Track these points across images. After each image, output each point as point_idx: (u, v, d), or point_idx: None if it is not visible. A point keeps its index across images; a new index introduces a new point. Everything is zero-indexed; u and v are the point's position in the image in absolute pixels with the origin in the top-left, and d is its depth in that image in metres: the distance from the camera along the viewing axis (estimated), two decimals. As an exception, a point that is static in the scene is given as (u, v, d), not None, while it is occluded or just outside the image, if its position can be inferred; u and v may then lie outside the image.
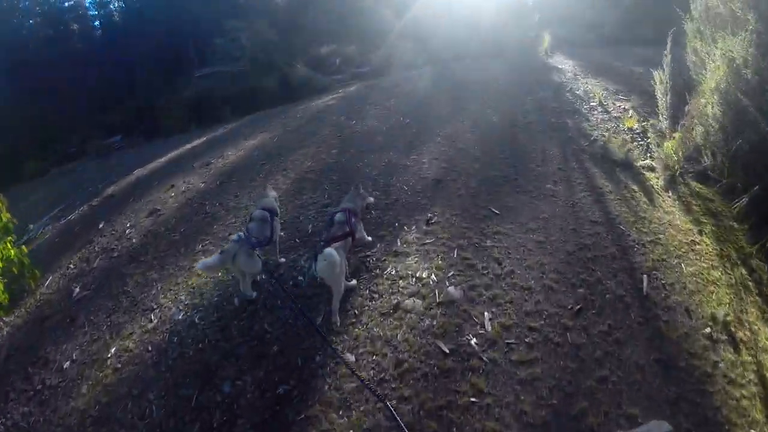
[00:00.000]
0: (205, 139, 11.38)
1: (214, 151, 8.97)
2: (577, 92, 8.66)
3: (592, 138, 6.02)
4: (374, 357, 2.96)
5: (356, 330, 3.22)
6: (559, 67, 10.79)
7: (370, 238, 3.90)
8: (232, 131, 11.40)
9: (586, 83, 9.20)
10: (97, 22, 32.24)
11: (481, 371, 2.81)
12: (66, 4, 31.51)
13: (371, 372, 2.85)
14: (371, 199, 4.07)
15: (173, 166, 9.05)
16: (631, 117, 6.89)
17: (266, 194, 3.90)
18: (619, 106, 7.73)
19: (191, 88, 15.89)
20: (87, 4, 32.50)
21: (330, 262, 2.89)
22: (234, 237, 3.31)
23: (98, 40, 31.33)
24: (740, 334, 3.04)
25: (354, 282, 3.48)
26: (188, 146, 10.92)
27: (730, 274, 3.58)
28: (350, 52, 16.25)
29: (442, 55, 13.91)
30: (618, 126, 6.69)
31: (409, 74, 12.69)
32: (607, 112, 7.48)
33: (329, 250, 2.92)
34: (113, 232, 5.86)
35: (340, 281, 3.09)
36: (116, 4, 33.34)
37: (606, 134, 6.22)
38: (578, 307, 3.23)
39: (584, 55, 12.20)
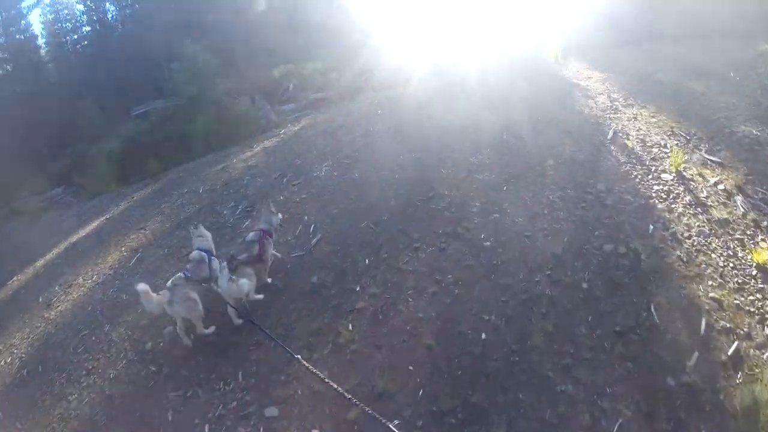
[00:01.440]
0: (77, 238, 8.22)
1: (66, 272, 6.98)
2: (627, 148, 5.59)
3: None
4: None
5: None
6: (582, 84, 7.91)
7: (279, 254, 3.96)
8: (125, 213, 8.16)
9: (635, 123, 6.18)
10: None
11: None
12: (18, 36, 28.75)
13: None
14: (279, 216, 4.03)
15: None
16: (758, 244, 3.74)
17: (201, 233, 3.82)
18: (715, 187, 4.66)
19: (123, 133, 12.61)
20: (39, 39, 29.67)
21: (239, 290, 3.22)
22: (168, 284, 3.29)
23: (52, 73, 28.45)
24: None
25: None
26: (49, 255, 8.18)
27: None
28: (309, 73, 12.81)
29: (425, 67, 10.95)
30: (738, 273, 3.61)
31: (376, 103, 9.64)
32: (704, 214, 3.91)
33: (244, 280, 3.21)
34: None
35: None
36: (70, 36, 30.48)
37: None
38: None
39: (607, 60, 9.28)
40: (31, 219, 14.42)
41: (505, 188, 4.98)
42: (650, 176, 4.82)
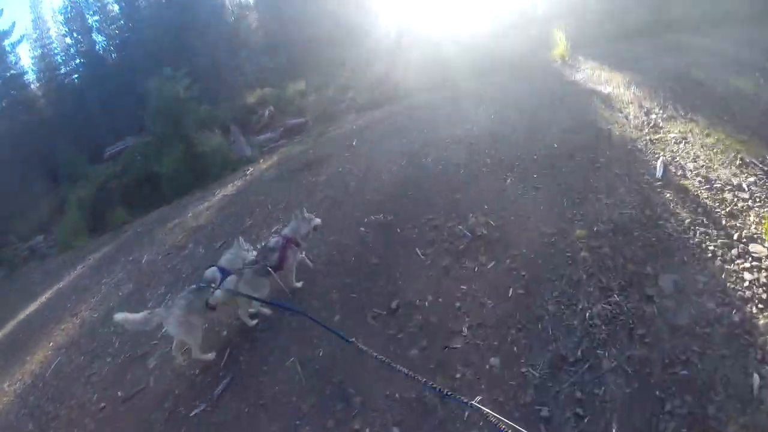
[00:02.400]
0: (26, 314, 7.49)
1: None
2: (688, 195, 3.93)
3: None
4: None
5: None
6: (602, 91, 6.32)
7: (298, 284, 3.49)
8: (74, 283, 7.06)
9: (687, 147, 4.57)
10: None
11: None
12: (7, 73, 27.74)
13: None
14: (318, 221, 3.56)
15: None
16: None
17: (238, 246, 3.40)
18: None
19: (95, 176, 11.21)
20: (30, 74, 28.66)
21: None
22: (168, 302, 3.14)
23: (45, 109, 27.32)
24: None
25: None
26: None
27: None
28: (290, 95, 11.35)
29: (416, 83, 9.57)
30: None
31: (355, 128, 8.40)
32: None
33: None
34: None
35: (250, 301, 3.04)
36: (61, 70, 29.37)
37: None
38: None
39: (624, 56, 7.72)
40: (11, 271, 13.23)
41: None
42: (734, 251, 3.12)
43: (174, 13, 17.56)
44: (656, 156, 4.30)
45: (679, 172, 4.03)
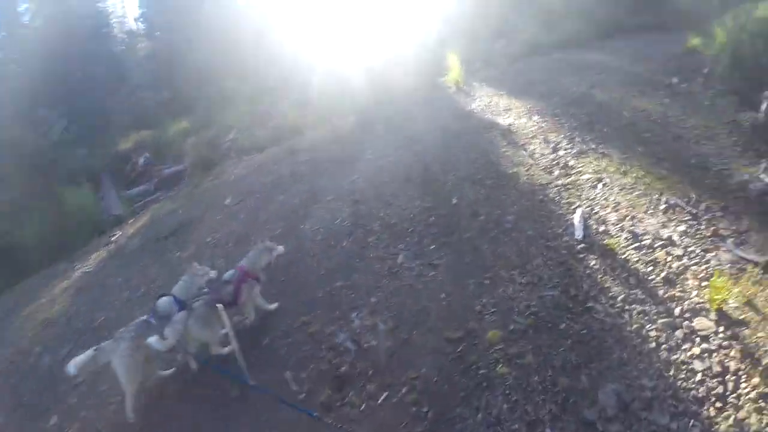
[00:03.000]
0: None
1: None
2: (613, 258, 3.42)
3: None
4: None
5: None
6: (502, 123, 5.98)
7: (272, 306, 3.37)
8: None
9: (605, 191, 4.24)
10: None
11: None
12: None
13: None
14: (280, 249, 3.41)
15: None
16: None
17: (194, 272, 3.17)
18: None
19: None
20: None
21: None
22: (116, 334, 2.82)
23: None
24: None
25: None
26: None
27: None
28: (171, 137, 10.19)
29: (302, 120, 8.99)
30: None
31: (232, 180, 7.57)
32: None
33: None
34: None
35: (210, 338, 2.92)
36: None
37: None
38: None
39: (520, 80, 7.64)
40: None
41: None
42: (679, 333, 2.67)
43: (56, 43, 14.91)
44: (572, 207, 3.72)
45: (602, 228, 3.43)
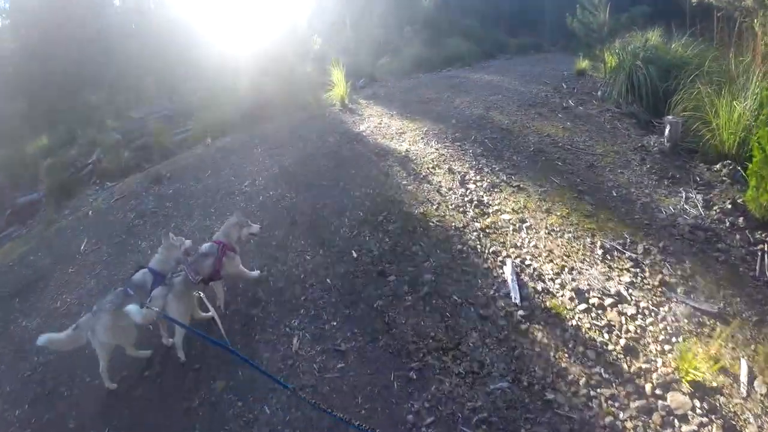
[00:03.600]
0: None
1: None
2: (560, 324, 2.88)
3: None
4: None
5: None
6: (399, 149, 5.38)
7: (255, 273, 3.28)
8: None
9: (530, 235, 3.89)
10: None
11: None
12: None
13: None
14: (256, 227, 3.25)
15: None
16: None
17: (169, 244, 3.07)
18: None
19: None
20: None
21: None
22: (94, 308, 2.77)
23: None
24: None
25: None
26: None
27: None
28: (27, 159, 8.33)
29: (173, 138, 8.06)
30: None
31: (89, 215, 6.11)
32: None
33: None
34: None
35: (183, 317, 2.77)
36: None
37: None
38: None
39: (411, 100, 7.36)
40: None
41: None
42: (656, 418, 2.31)
43: None
44: (499, 259, 3.16)
45: (539, 285, 2.89)
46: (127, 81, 11.41)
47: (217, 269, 2.93)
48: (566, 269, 3.13)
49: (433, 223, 3.65)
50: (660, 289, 2.97)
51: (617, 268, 3.15)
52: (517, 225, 3.59)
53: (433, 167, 4.57)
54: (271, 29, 9.13)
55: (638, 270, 3.13)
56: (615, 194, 4.08)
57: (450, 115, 6.06)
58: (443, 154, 4.84)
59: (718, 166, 4.40)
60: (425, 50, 9.80)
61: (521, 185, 4.13)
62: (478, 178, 4.29)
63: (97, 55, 11.91)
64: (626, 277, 3.07)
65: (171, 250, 3.05)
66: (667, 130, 4.98)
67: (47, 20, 12.65)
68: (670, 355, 2.56)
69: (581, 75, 7.84)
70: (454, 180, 4.29)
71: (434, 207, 3.88)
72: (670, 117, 5.11)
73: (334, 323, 2.87)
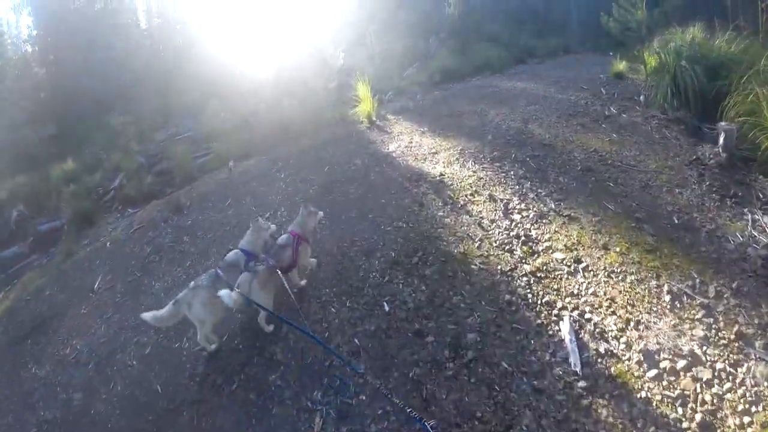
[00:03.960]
0: None
1: None
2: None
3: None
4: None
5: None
6: (433, 173, 4.99)
7: (303, 282, 3.37)
8: None
9: (588, 280, 3.41)
10: None
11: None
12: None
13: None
14: (320, 213, 3.47)
15: None
16: None
17: (259, 227, 3.39)
18: None
19: None
20: None
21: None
22: (191, 284, 3.01)
23: None
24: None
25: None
26: None
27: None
28: (52, 185, 9.29)
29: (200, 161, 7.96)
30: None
31: (104, 250, 5.92)
32: None
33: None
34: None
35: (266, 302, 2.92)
36: None
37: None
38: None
39: (444, 113, 6.93)
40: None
41: None
42: None
43: None
44: (554, 312, 2.75)
45: (602, 347, 2.52)
46: (153, 103, 11.48)
47: (294, 259, 3.12)
48: (632, 323, 2.72)
49: (475, 265, 3.27)
50: (737, 344, 2.57)
51: (688, 318, 2.73)
52: (572, 266, 3.18)
53: (471, 194, 4.19)
54: (295, 49, 8.93)
55: (711, 320, 2.72)
56: (676, 221, 3.64)
57: (485, 130, 5.65)
58: (482, 178, 4.45)
59: (780, 177, 3.92)
60: (452, 59, 9.38)
61: (572, 214, 3.71)
62: (523, 206, 3.89)
63: (124, 77, 12.06)
64: (699, 331, 2.65)
65: (260, 232, 3.35)
66: (721, 139, 4.52)
67: (74, 44, 12.91)
68: (749, 430, 2.15)
69: (619, 78, 7.28)
70: (496, 209, 3.91)
71: (476, 244, 3.50)
72: (723, 123, 4.62)
73: (363, 397, 2.54)
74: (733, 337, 2.61)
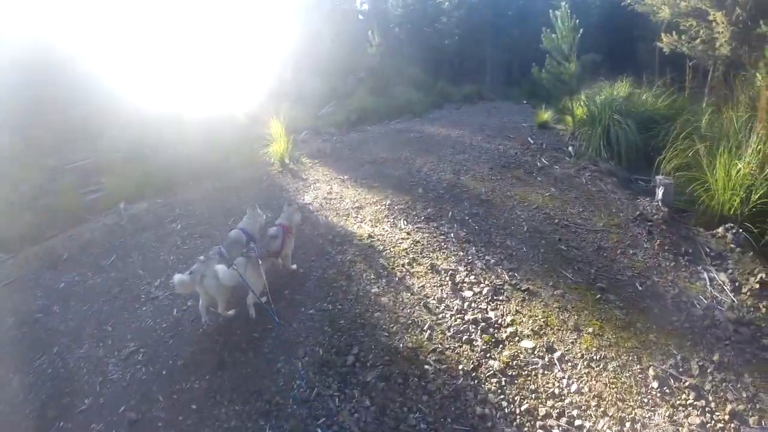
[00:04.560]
0: None
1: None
2: None
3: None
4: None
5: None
6: (348, 227, 4.25)
7: (294, 266, 3.60)
8: None
9: (582, 382, 2.78)
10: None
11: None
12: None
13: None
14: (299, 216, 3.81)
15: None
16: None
17: (254, 214, 3.72)
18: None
19: None
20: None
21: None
22: (200, 257, 3.21)
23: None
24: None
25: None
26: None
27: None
28: None
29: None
30: None
31: None
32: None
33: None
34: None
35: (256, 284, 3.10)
36: None
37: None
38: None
39: (363, 159, 6.40)
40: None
41: None
42: None
43: None
44: (538, 424, 2.15)
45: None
46: (48, 123, 9.52)
47: (282, 247, 3.40)
48: (627, 423, 2.20)
49: (430, 365, 2.53)
50: (732, 425, 2.25)
51: (681, 405, 2.38)
52: (546, 357, 2.58)
53: (409, 263, 3.50)
54: (204, 81, 7.90)
55: (703, 402, 2.39)
56: (639, 287, 3.32)
57: (414, 181, 5.10)
58: (418, 241, 3.80)
59: (720, 230, 3.94)
60: (371, 100, 8.96)
61: (531, 287, 3.17)
62: (472, 278, 3.28)
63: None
64: (695, 418, 2.32)
65: (256, 218, 3.66)
66: (660, 193, 4.52)
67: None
68: None
69: (544, 127, 7.28)
70: (442, 284, 3.24)
71: (425, 334, 2.78)
72: (661, 177, 4.65)
73: None
74: (727, 417, 2.31)
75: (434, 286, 3.23)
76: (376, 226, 4.13)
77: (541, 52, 6.80)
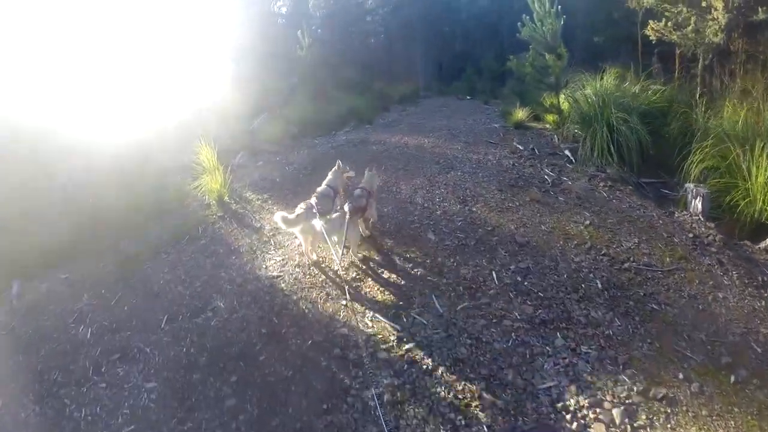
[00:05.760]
0: None
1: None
2: None
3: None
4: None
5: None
6: (328, 317, 2.80)
7: (368, 232, 3.77)
8: None
9: None
10: None
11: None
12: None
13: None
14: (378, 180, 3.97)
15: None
16: None
17: (338, 168, 3.94)
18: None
19: None
20: None
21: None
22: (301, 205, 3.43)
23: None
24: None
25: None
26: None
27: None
28: None
29: None
30: None
31: None
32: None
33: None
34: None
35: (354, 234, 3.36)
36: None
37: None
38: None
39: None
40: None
41: None
42: None
43: None
44: None
45: None
46: None
47: (365, 207, 3.57)
48: None
49: None
50: None
51: None
52: None
53: (472, 397, 2.22)
54: (106, 103, 5.94)
55: None
56: (758, 348, 2.48)
57: (416, 221, 3.90)
58: (468, 345, 2.53)
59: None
60: (312, 107, 7.48)
61: (666, 392, 2.08)
62: (586, 401, 2.06)
63: None
64: None
65: (339, 174, 3.92)
66: (699, 204, 3.92)
67: None
68: None
69: (521, 128, 6.35)
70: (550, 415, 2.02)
71: None
72: (692, 185, 4.03)
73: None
74: None
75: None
76: (400, 318, 2.78)
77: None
